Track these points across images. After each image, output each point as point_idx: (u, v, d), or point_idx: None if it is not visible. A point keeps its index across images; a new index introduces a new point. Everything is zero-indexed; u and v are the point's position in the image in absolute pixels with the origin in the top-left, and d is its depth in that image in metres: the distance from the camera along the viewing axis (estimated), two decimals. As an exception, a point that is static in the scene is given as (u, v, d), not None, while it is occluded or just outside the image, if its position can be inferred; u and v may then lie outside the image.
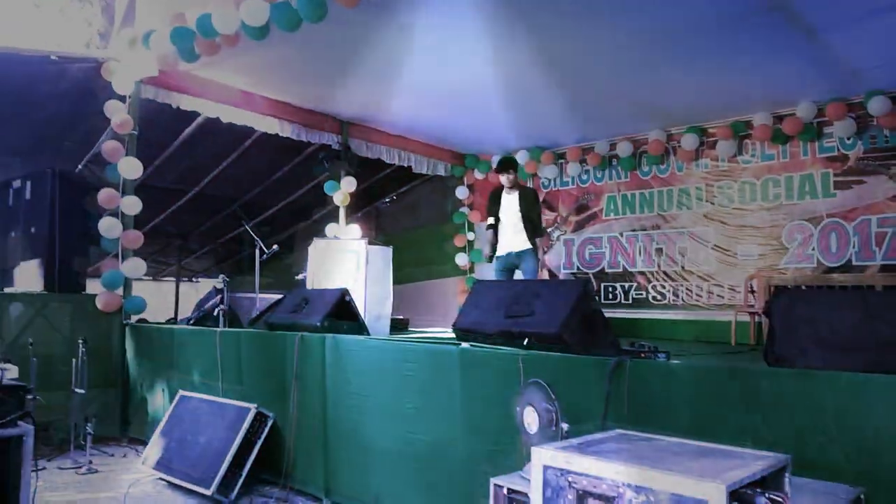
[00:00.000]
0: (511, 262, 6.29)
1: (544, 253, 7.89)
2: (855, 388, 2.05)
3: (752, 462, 1.65)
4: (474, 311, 3.45)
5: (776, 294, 2.44)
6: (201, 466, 4.04)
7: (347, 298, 4.49)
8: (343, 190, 8.08)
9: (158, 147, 7.22)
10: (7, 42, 5.55)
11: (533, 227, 6.28)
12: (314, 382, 3.97)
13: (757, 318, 6.56)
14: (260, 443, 4.04)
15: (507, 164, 6.45)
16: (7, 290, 5.89)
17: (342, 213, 8.33)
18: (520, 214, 6.24)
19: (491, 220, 6.44)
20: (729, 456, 1.73)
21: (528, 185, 6.71)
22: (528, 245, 6.21)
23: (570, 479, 1.71)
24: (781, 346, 2.27)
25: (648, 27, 5.25)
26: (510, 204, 6.32)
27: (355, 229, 8.33)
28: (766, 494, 1.57)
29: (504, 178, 6.35)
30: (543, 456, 1.79)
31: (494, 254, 6.38)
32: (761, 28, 5.16)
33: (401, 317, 8.67)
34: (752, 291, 6.97)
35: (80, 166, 7.18)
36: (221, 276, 6.31)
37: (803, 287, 6.68)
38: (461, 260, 9.94)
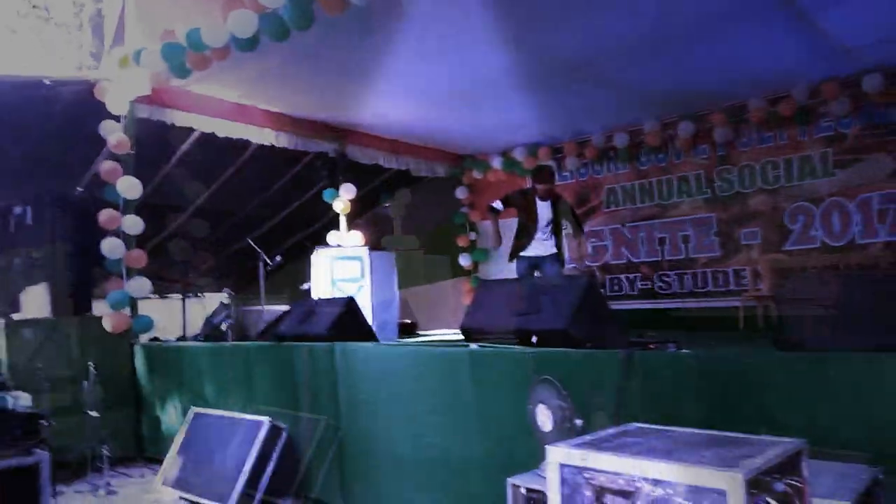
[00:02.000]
0: (534, 264, 6.25)
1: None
2: (867, 366, 2.05)
3: (768, 449, 1.64)
4: (481, 312, 3.45)
5: (784, 279, 2.44)
6: (219, 483, 4.04)
7: (353, 306, 4.49)
8: (342, 197, 8.09)
9: (156, 165, 7.23)
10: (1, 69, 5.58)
11: (575, 229, 6.60)
12: (325, 392, 3.97)
13: (764, 302, 6.55)
14: (276, 455, 4.04)
15: (545, 173, 6.26)
16: (15, 316, 5.90)
17: (343, 220, 8.33)
18: (551, 220, 6.16)
19: (498, 204, 6.28)
20: (744, 444, 1.72)
21: (561, 195, 6.60)
22: (554, 250, 6.18)
23: (586, 476, 1.71)
24: (791, 331, 2.27)
25: (640, 17, 5.24)
26: (543, 212, 6.21)
27: (357, 236, 8.33)
28: (784, 480, 1.57)
29: (541, 187, 6.15)
30: (558, 454, 1.78)
31: (512, 249, 6.31)
32: (753, 10, 5.15)
33: (408, 321, 8.69)
34: (758, 275, 6.97)
35: (79, 188, 7.20)
36: (226, 290, 6.34)
37: (809, 269, 6.67)
38: (464, 260, 9.94)
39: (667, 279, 8.15)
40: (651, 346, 3.96)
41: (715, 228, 7.78)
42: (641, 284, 8.38)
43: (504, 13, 5.11)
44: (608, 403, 2.55)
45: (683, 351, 2.57)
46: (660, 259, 8.21)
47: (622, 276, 8.57)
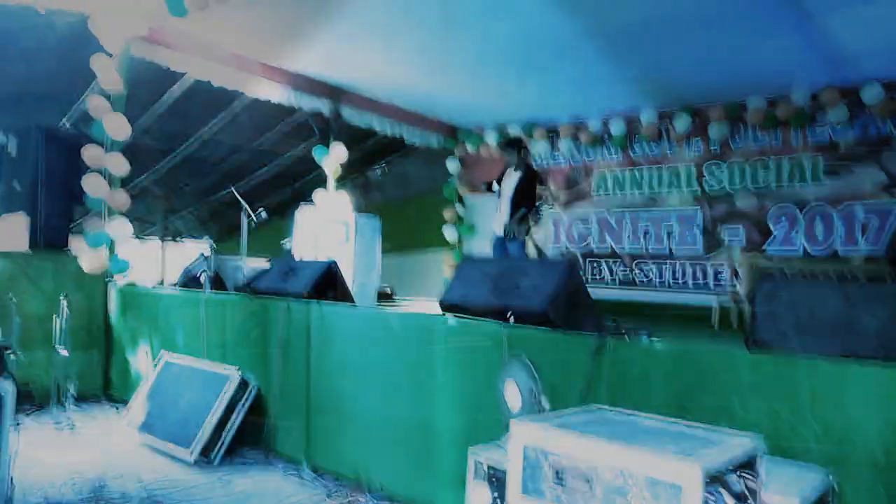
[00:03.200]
0: (501, 241, 6.28)
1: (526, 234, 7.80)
2: (831, 374, 2.09)
3: (727, 442, 1.68)
4: (461, 286, 3.45)
5: (759, 279, 2.46)
6: (184, 429, 4.06)
7: (335, 269, 4.48)
8: (333, 157, 8.01)
9: (146, 107, 7.10)
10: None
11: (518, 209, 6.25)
12: (298, 351, 3.98)
13: (740, 302, 6.63)
14: (243, 408, 4.05)
15: (509, 142, 6.44)
16: (-11, 245, 5.82)
17: (331, 180, 8.27)
18: (512, 195, 6.21)
19: (495, 187, 6.44)
20: (705, 437, 1.76)
21: (532, 167, 6.65)
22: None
23: (548, 455, 1.73)
24: (762, 331, 2.30)
25: (646, 7, 5.20)
26: (505, 184, 6.30)
27: (343, 197, 8.28)
28: (740, 475, 1.61)
29: (505, 156, 6.32)
30: (521, 431, 1.81)
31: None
32: (758, 8, 5.13)
33: (387, 288, 8.69)
34: (737, 276, 7.04)
35: (66, 123, 7.06)
36: (207, 238, 6.28)
37: (787, 273, 6.76)
38: (450, 233, 9.94)
39: (647, 270, 8.22)
40: (624, 334, 4.00)
41: (699, 224, 7.84)
42: (622, 273, 8.45)
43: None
44: (578, 387, 2.59)
45: (655, 340, 2.60)
46: (642, 250, 8.27)
47: (603, 263, 8.63)
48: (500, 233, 6.24)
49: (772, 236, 7.27)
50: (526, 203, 6.24)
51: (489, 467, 2.25)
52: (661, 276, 8.10)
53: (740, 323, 6.45)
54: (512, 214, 6.17)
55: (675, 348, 2.50)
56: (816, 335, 2.23)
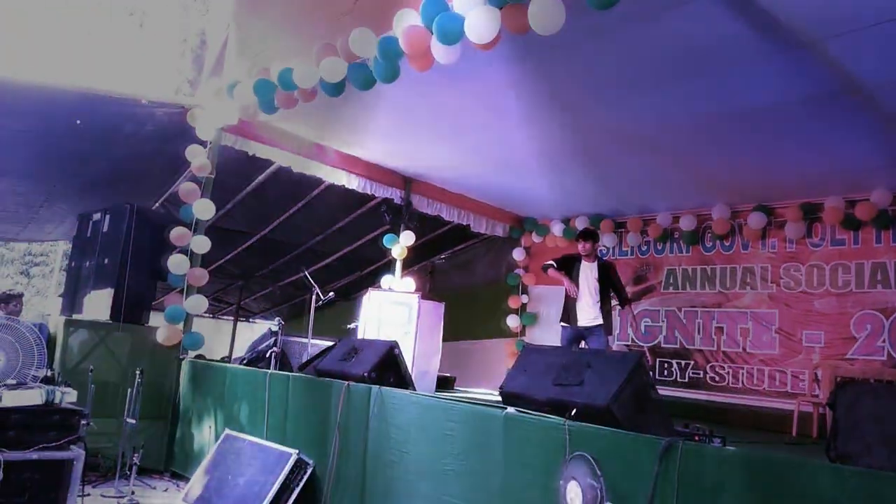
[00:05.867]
0: (579, 334, 6.20)
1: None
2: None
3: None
4: (522, 376, 3.40)
5: (842, 386, 2.32)
6: (238, 508, 4.04)
7: (396, 351, 4.50)
8: (402, 243, 8.21)
9: (231, 191, 7.54)
10: (103, 85, 5.97)
11: (620, 297, 6.51)
12: (356, 433, 3.95)
13: (821, 409, 6.21)
14: (298, 489, 4.02)
15: (588, 234, 6.47)
16: (76, 316, 6.16)
17: (398, 266, 8.44)
18: (598, 286, 6.19)
19: (552, 262, 6.41)
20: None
21: (608, 262, 6.70)
22: (601, 321, 6.14)
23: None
24: (845, 442, 2.15)
25: (723, 104, 5.24)
26: (587, 274, 6.26)
27: (410, 282, 8.41)
28: None
29: (581, 246, 6.33)
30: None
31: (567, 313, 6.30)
32: (837, 111, 5.08)
33: (448, 374, 8.62)
34: (818, 381, 6.64)
35: (156, 204, 7.57)
36: (277, 318, 6.46)
37: (871, 381, 6.32)
38: (512, 322, 9.86)
39: (720, 371, 7.85)
40: (696, 438, 3.80)
41: (776, 325, 7.49)
42: (692, 373, 8.10)
43: (573, 82, 5.19)
44: (642, 491, 2.45)
45: (729, 448, 2.45)
46: (715, 349, 7.94)
47: (673, 361, 8.31)
48: (585, 323, 6.15)
49: (855, 342, 6.87)
50: (620, 294, 6.48)
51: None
52: (735, 378, 7.71)
53: (820, 432, 6.01)
54: (602, 305, 6.14)
55: (751, 456, 2.35)
56: (907, 450, 2.06)
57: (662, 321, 8.53)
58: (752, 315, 7.72)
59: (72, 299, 6.51)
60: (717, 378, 7.86)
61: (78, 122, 5.80)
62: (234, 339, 10.88)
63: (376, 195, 8.03)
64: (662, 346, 8.46)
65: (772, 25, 4.01)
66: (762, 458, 2.35)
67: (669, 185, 7.56)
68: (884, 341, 6.69)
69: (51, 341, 5.44)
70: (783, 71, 4.59)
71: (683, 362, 8.20)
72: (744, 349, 7.70)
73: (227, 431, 4.84)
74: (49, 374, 3.75)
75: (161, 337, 5.72)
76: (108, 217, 6.31)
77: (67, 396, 3.57)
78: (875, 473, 2.03)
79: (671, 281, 8.57)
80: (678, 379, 8.19)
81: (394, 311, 7.26)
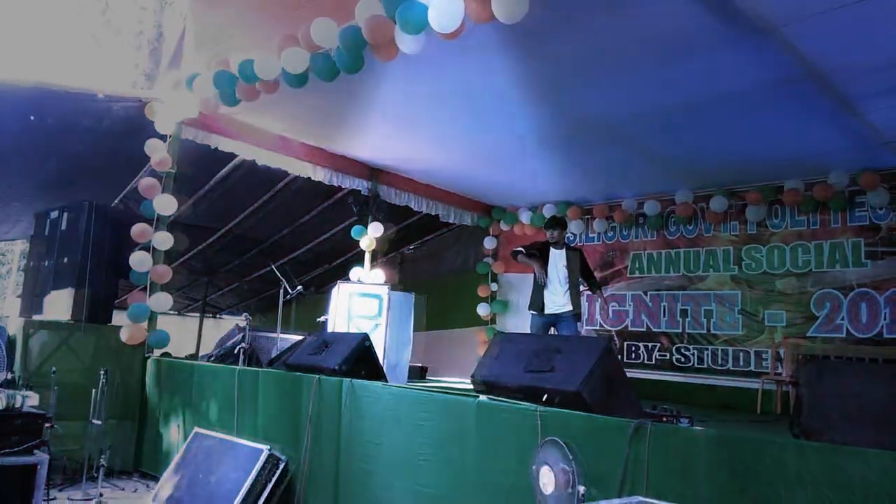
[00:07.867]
0: (549, 322, 6.24)
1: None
2: (885, 466, 1.98)
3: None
4: (494, 364, 3.42)
5: (805, 363, 2.39)
6: (210, 507, 4.00)
7: (367, 344, 4.49)
8: (370, 235, 8.17)
9: (193, 185, 7.40)
10: (57, 79, 5.79)
11: (589, 283, 6.59)
12: (329, 427, 3.94)
13: (784, 386, 6.39)
14: (271, 486, 3.99)
15: (556, 222, 6.49)
16: (35, 317, 6.00)
17: (367, 257, 8.39)
18: (567, 273, 6.23)
19: (521, 248, 6.45)
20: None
21: (576, 248, 6.75)
22: (571, 308, 6.18)
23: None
24: (808, 419, 2.21)
25: (686, 92, 5.31)
26: (556, 262, 6.30)
27: (379, 274, 8.37)
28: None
29: (549, 234, 6.37)
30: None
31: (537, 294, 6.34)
32: (796, 95, 5.18)
33: (420, 364, 8.63)
34: (780, 359, 6.82)
35: (115, 201, 7.39)
36: (245, 314, 6.38)
37: (832, 357, 6.51)
38: (483, 310, 9.90)
39: (686, 352, 8.01)
40: (664, 419, 3.87)
41: (739, 306, 7.67)
42: (659, 355, 8.25)
43: (540, 72, 5.20)
44: (614, 473, 2.49)
45: (697, 427, 2.50)
46: (680, 331, 8.10)
47: (640, 344, 8.45)
48: (555, 310, 6.20)
49: (815, 320, 7.07)
50: (590, 280, 6.58)
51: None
52: (700, 359, 7.87)
53: (784, 408, 6.19)
54: (570, 291, 6.19)
55: (718, 435, 2.41)
56: (867, 424, 2.13)
57: (629, 305, 8.66)
58: (715, 296, 7.89)
59: (31, 300, 6.33)
60: (682, 359, 8.02)
61: (31, 117, 5.62)
62: (200, 336, 10.71)
63: (343, 186, 7.96)
64: (630, 329, 8.59)
65: (731, 13, 4.08)
66: (729, 437, 2.41)
67: (635, 171, 7.66)
68: (843, 319, 6.90)
69: (10, 344, 5.28)
70: (743, 58, 4.67)
71: (650, 345, 8.34)
72: (708, 330, 7.87)
73: (197, 429, 4.77)
74: (10, 377, 3.65)
75: (125, 336, 5.61)
76: (65, 215, 6.14)
77: (29, 400, 3.48)
78: (837, 448, 2.10)
79: (637, 265, 8.70)
80: (646, 361, 8.33)
81: (364, 303, 7.24)
